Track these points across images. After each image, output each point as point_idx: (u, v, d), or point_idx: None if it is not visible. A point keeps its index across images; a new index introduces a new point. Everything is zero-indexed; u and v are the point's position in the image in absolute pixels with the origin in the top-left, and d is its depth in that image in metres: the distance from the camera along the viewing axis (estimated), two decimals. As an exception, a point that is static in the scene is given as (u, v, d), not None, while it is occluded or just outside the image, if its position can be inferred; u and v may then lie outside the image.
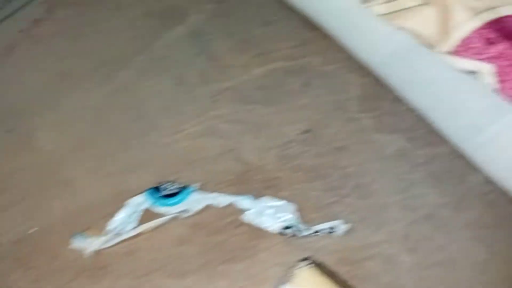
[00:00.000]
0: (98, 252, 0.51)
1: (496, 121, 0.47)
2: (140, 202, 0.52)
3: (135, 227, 0.51)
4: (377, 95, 0.59)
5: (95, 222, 0.53)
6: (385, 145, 0.57)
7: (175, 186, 0.53)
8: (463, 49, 0.49)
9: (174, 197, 0.52)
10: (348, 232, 0.52)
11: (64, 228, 0.53)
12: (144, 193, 0.52)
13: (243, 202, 0.53)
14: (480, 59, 0.48)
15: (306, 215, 0.53)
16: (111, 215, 0.52)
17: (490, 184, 0.54)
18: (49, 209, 0.54)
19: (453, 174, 0.55)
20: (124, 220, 0.51)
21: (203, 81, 0.61)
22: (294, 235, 0.51)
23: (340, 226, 0.51)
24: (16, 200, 0.54)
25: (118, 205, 0.53)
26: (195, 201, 0.53)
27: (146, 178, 0.55)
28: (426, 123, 0.57)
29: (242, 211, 0.53)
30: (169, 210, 0.52)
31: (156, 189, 0.53)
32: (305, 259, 0.46)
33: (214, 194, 0.53)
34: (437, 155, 0.56)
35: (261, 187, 0.55)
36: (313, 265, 0.35)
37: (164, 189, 0.53)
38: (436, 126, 0.55)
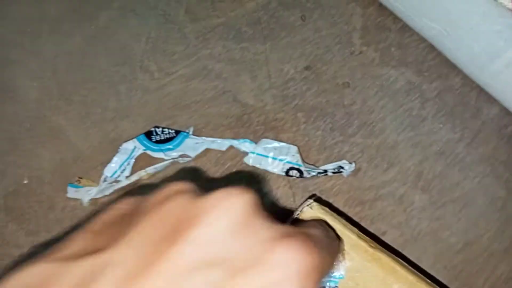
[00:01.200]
0: (95, 202, 0.48)
1: (515, 45, 0.43)
2: (133, 148, 0.48)
3: (131, 175, 0.48)
4: (382, 26, 0.54)
5: (89, 171, 0.50)
6: (392, 79, 0.53)
7: (168, 131, 0.49)
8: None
9: (169, 143, 0.49)
10: (356, 172, 0.49)
11: (57, 179, 0.49)
12: (135, 139, 0.49)
13: (243, 145, 0.49)
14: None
15: (310, 156, 0.50)
16: (104, 163, 0.49)
17: (507, 117, 0.50)
18: (39, 159, 0.50)
19: (466, 108, 0.51)
20: (118, 167, 0.48)
21: (192, 19, 0.56)
22: (298, 177, 0.48)
23: (348, 166, 0.48)
24: (4, 152, 0.51)
25: (110, 153, 0.49)
26: (192, 146, 0.49)
27: (138, 125, 0.51)
28: (436, 54, 0.53)
29: (243, 154, 0.49)
30: (166, 156, 0.48)
31: (148, 134, 0.49)
32: (311, 197, 0.44)
33: (212, 138, 0.49)
34: (449, 88, 0.52)
35: (261, 130, 0.51)
36: (319, 203, 0.32)
37: (157, 134, 0.49)
38: (447, 57, 0.51)
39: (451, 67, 0.52)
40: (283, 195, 0.48)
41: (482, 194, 0.48)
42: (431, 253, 0.46)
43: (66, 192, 0.49)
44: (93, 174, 0.50)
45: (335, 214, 0.33)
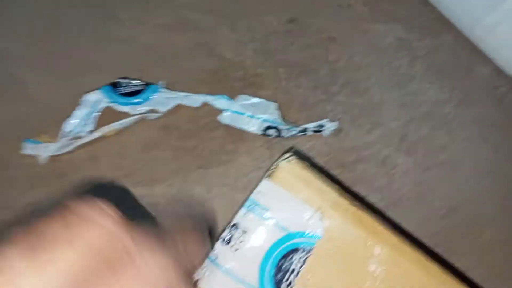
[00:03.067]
0: (54, 159, 0.44)
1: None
2: (96, 100, 0.44)
3: (94, 130, 0.44)
4: (372, -22, 0.50)
5: (50, 126, 0.45)
6: (380, 35, 0.49)
7: (136, 83, 0.45)
8: None
9: (137, 96, 0.45)
10: (338, 133, 0.46)
11: (14, 134, 0.45)
12: (99, 90, 0.44)
13: (219, 101, 0.45)
14: None
15: (290, 114, 0.46)
16: (66, 118, 0.45)
17: (499, 77, 0.48)
18: (-5, 113, 0.46)
19: (457, 67, 0.48)
20: (80, 121, 0.44)
21: (167, -36, 0.51)
22: (277, 136, 0.44)
23: (329, 125, 0.44)
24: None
25: (74, 108, 0.45)
26: (163, 101, 0.45)
27: (106, 77, 0.47)
28: (428, 9, 0.49)
29: (218, 111, 0.46)
30: (133, 110, 0.45)
31: (114, 85, 0.45)
32: (288, 150, 0.40)
33: (185, 93, 0.46)
34: (440, 46, 0.49)
35: (239, 86, 0.47)
36: (297, 157, 0.29)
37: (123, 86, 0.45)
38: (439, 12, 0.48)
39: (443, 24, 0.49)
40: (259, 156, 0.45)
41: (470, 157, 0.46)
42: (414, 218, 0.44)
43: (22, 147, 0.44)
44: (54, 130, 0.46)
45: (315, 170, 0.30)
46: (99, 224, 0.19)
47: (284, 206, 0.29)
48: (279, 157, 0.29)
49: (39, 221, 0.19)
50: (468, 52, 0.48)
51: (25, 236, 0.18)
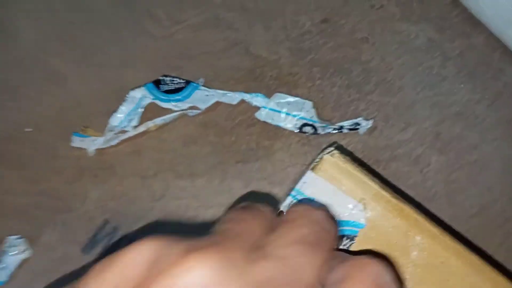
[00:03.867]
0: (101, 152, 0.46)
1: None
2: (141, 96, 0.46)
3: (138, 125, 0.46)
4: (405, -20, 0.52)
5: (94, 119, 0.47)
6: (412, 35, 0.50)
7: (177, 81, 0.47)
8: None
9: (178, 93, 0.47)
10: (371, 131, 0.47)
11: (60, 127, 0.47)
12: (143, 87, 0.47)
13: (255, 99, 0.47)
14: None
15: (324, 113, 0.48)
16: (109, 112, 0.47)
17: (531, 78, 0.48)
18: (41, 106, 0.48)
19: (488, 68, 0.49)
20: (126, 117, 0.46)
21: (205, -35, 0.53)
22: (313, 133, 0.46)
23: (364, 123, 0.46)
24: (5, 98, 0.48)
25: (115, 102, 0.47)
26: (202, 98, 0.47)
27: (144, 74, 0.49)
28: (460, 10, 0.50)
29: (254, 109, 0.48)
30: (175, 107, 0.46)
31: (156, 83, 0.47)
32: (331, 145, 0.42)
33: (223, 91, 0.47)
34: (472, 47, 0.50)
35: (274, 84, 0.49)
36: (339, 152, 0.31)
37: (165, 84, 0.47)
38: (472, 12, 0.49)
39: (474, 25, 0.50)
40: (295, 153, 0.47)
41: (500, 158, 0.47)
42: (446, 215, 0.45)
43: (69, 141, 0.47)
44: (96, 124, 0.48)
45: (356, 164, 0.31)
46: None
47: (328, 197, 0.30)
48: (322, 151, 0.31)
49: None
50: (499, 53, 0.49)
51: None
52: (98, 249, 0.44)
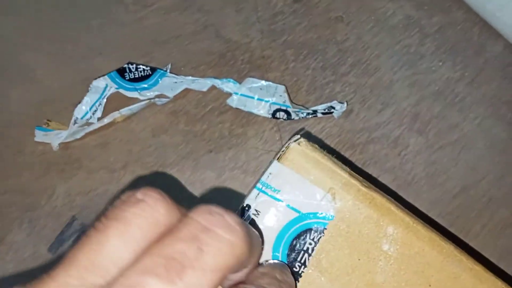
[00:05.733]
0: (66, 146, 0.44)
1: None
2: (104, 86, 0.44)
3: (104, 116, 0.44)
4: (380, -45, 0.49)
5: (60, 112, 0.45)
6: (389, 13, 0.48)
7: (142, 68, 0.45)
8: None
9: (145, 81, 0.45)
10: (348, 114, 0.45)
11: (26, 121, 0.45)
12: (106, 76, 0.44)
13: (226, 85, 0.45)
14: None
15: (299, 97, 0.46)
16: (75, 104, 0.45)
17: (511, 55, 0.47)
18: (7, 99, 0.46)
19: (468, 45, 0.48)
20: (90, 108, 0.44)
21: None
22: (286, 119, 0.44)
23: (339, 106, 0.44)
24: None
25: (82, 94, 0.45)
26: (170, 86, 0.45)
27: (113, 62, 0.47)
28: (438, -15, 0.48)
29: (226, 95, 0.45)
30: (141, 95, 0.44)
31: (121, 72, 0.45)
32: (298, 132, 0.40)
33: (193, 77, 0.45)
34: (451, 23, 0.48)
35: (246, 68, 0.47)
36: (307, 139, 0.29)
37: (130, 72, 0.45)
38: (450, -12, 0.47)
39: (453, 0, 0.48)
40: (269, 139, 0.45)
41: (482, 136, 0.45)
42: (426, 198, 0.43)
43: (35, 134, 0.45)
44: (65, 116, 0.46)
45: (324, 151, 0.29)
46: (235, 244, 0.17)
47: (295, 188, 0.29)
48: (288, 139, 0.29)
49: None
50: (479, 29, 0.47)
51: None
52: (65, 248, 0.42)
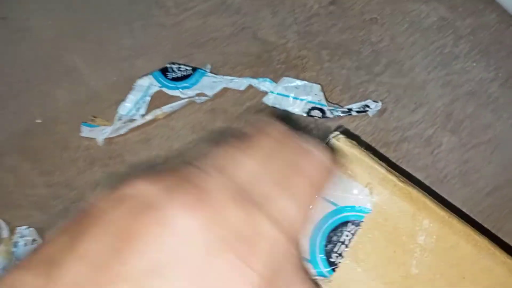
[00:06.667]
0: (110, 141, 0.47)
1: None
2: (148, 84, 0.46)
3: (147, 113, 0.46)
4: (414, -43, 0.50)
5: (104, 110, 0.48)
6: (423, 15, 0.49)
7: (184, 68, 0.47)
8: None
9: (186, 80, 0.47)
10: (381, 113, 0.46)
11: (71, 118, 0.48)
12: (150, 75, 0.47)
13: (263, 84, 0.47)
14: None
15: (333, 96, 0.47)
16: (119, 102, 0.47)
17: (546, 54, 0.47)
18: (53, 98, 0.49)
19: (501, 46, 0.48)
20: (134, 105, 0.46)
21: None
22: (321, 117, 0.46)
23: (374, 105, 0.45)
24: (18, 91, 0.49)
25: (126, 92, 0.48)
26: (209, 85, 0.47)
27: (154, 63, 0.49)
28: (472, -13, 0.49)
29: (262, 94, 0.47)
30: (182, 94, 0.46)
31: (164, 71, 0.47)
32: (337, 129, 0.42)
33: (231, 77, 0.47)
34: (484, 25, 0.49)
35: (282, 68, 0.49)
36: (345, 136, 0.30)
37: (172, 71, 0.47)
38: (485, -11, 0.47)
39: (487, 2, 0.48)
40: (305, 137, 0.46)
41: (515, 136, 0.45)
42: (458, 196, 0.44)
43: (81, 131, 0.47)
44: (109, 113, 0.48)
45: (362, 148, 0.31)
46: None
47: (334, 182, 0.30)
48: (327, 135, 0.30)
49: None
50: (513, 30, 0.48)
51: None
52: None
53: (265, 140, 0.20)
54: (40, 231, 0.45)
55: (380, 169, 0.30)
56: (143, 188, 0.17)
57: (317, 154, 0.20)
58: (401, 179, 0.30)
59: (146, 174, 0.18)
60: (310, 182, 0.19)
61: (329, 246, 0.30)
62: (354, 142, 0.31)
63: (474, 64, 0.47)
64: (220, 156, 0.18)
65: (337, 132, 0.31)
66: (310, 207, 0.20)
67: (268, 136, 0.20)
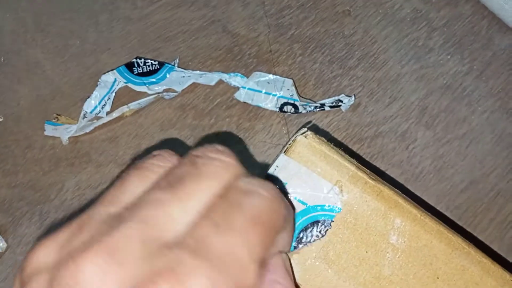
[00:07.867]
0: (75, 140, 0.45)
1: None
2: (113, 80, 0.44)
3: (112, 110, 0.44)
4: None
5: (68, 107, 0.46)
6: (396, 6, 0.48)
7: (151, 63, 0.45)
8: None
9: (153, 76, 0.45)
10: (355, 108, 0.45)
11: (35, 116, 0.46)
12: (115, 70, 0.45)
13: (234, 79, 0.45)
14: None
15: (306, 91, 0.46)
16: (84, 99, 0.45)
17: (520, 46, 0.46)
18: (15, 95, 0.47)
19: (476, 38, 0.47)
20: (98, 103, 0.44)
21: None
22: (293, 113, 0.44)
23: (347, 100, 0.44)
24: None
25: (91, 89, 0.46)
26: (178, 80, 0.45)
27: (120, 58, 0.47)
28: (446, -22, 0.48)
29: (233, 89, 0.46)
30: (149, 90, 0.45)
31: (129, 66, 0.45)
32: (305, 125, 0.40)
33: (200, 72, 0.46)
34: (458, 17, 0.48)
35: (253, 63, 0.47)
36: (314, 132, 0.29)
37: (139, 66, 0.45)
38: (459, -19, 0.47)
39: (461, -7, 0.48)
40: (276, 133, 0.45)
41: (490, 130, 0.45)
42: (434, 192, 0.43)
43: (45, 129, 0.45)
44: (73, 111, 0.46)
45: (331, 145, 0.30)
46: (223, 161, 0.20)
47: (302, 181, 0.29)
48: (296, 132, 0.29)
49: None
50: (487, 22, 0.47)
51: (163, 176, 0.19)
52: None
53: (207, 184, 0.19)
54: (4, 234, 0.43)
55: (349, 166, 0.29)
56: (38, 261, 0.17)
57: (262, 193, 0.19)
58: (372, 177, 0.29)
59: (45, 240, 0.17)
60: (253, 220, 0.18)
61: (299, 246, 0.28)
62: (323, 138, 0.30)
63: (449, 57, 0.46)
64: (150, 204, 0.18)
65: (305, 129, 0.29)
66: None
67: (211, 179, 0.19)
